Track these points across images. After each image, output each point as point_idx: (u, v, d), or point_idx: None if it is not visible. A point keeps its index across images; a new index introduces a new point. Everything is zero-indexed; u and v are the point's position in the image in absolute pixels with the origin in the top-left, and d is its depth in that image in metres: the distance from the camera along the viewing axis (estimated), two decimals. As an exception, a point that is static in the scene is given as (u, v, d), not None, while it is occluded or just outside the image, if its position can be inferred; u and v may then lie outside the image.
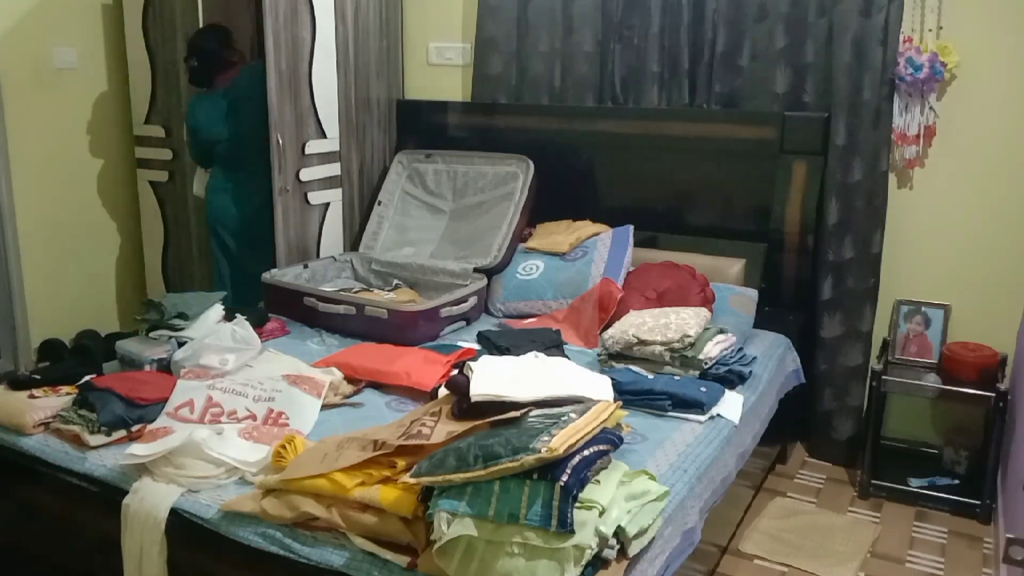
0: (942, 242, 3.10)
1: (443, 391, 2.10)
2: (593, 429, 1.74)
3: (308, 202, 3.52)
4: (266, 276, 3.29)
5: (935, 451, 3.17)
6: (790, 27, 3.12)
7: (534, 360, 2.24)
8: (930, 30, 2.97)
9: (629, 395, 2.32)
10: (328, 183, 3.63)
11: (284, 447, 1.92)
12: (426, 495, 1.66)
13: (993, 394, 2.83)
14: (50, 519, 2.20)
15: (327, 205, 3.64)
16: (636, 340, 2.65)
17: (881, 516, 2.93)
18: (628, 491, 1.73)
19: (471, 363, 2.05)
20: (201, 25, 3.82)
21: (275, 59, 3.33)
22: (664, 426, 2.25)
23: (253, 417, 2.19)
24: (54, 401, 2.24)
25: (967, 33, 2.93)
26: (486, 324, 3.12)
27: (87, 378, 2.33)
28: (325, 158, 3.59)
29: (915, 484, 2.99)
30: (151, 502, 1.90)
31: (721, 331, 2.67)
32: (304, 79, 3.47)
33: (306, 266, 3.43)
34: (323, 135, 3.58)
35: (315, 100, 3.49)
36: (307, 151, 3.46)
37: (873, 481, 3.02)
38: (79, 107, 3.97)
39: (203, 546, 1.87)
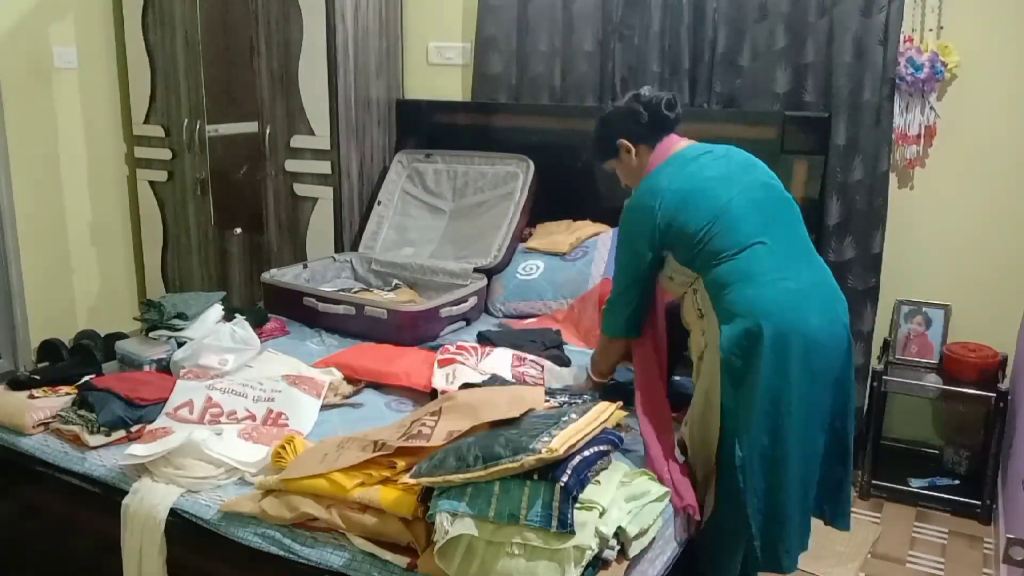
0: (942, 242, 3.09)
1: (440, 387, 2.11)
2: (593, 430, 1.74)
3: (294, 192, 3.73)
4: (266, 276, 3.29)
5: (935, 451, 3.17)
6: (790, 27, 3.12)
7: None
8: (930, 30, 2.97)
9: (629, 395, 2.31)
10: (317, 179, 3.67)
11: (284, 447, 1.92)
12: (426, 496, 1.65)
13: (993, 394, 2.83)
14: (50, 519, 2.20)
15: (316, 200, 3.69)
16: (636, 340, 2.64)
17: (881, 516, 2.93)
18: (628, 491, 1.73)
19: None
20: (200, 25, 3.82)
21: (267, 59, 3.64)
22: (664, 426, 2.24)
23: (252, 417, 2.19)
24: (54, 401, 2.24)
25: (967, 33, 2.92)
26: (486, 324, 3.12)
27: (87, 378, 2.33)
28: (314, 155, 3.66)
29: (915, 484, 2.99)
30: (151, 502, 1.90)
31: (721, 331, 2.67)
32: (293, 79, 3.61)
33: (305, 266, 3.43)
34: (311, 132, 3.63)
35: (302, 99, 3.61)
36: (292, 144, 3.70)
37: (874, 481, 3.01)
38: (79, 107, 3.97)
39: (203, 546, 1.86)
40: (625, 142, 2.17)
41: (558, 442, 1.61)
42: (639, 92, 2.18)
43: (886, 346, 3.17)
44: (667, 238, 2.03)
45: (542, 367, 2.54)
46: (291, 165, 3.72)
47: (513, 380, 2.42)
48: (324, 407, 2.31)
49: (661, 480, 1.90)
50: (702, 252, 1.99)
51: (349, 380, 2.50)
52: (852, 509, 2.92)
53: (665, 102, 2.13)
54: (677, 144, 2.15)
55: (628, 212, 2.12)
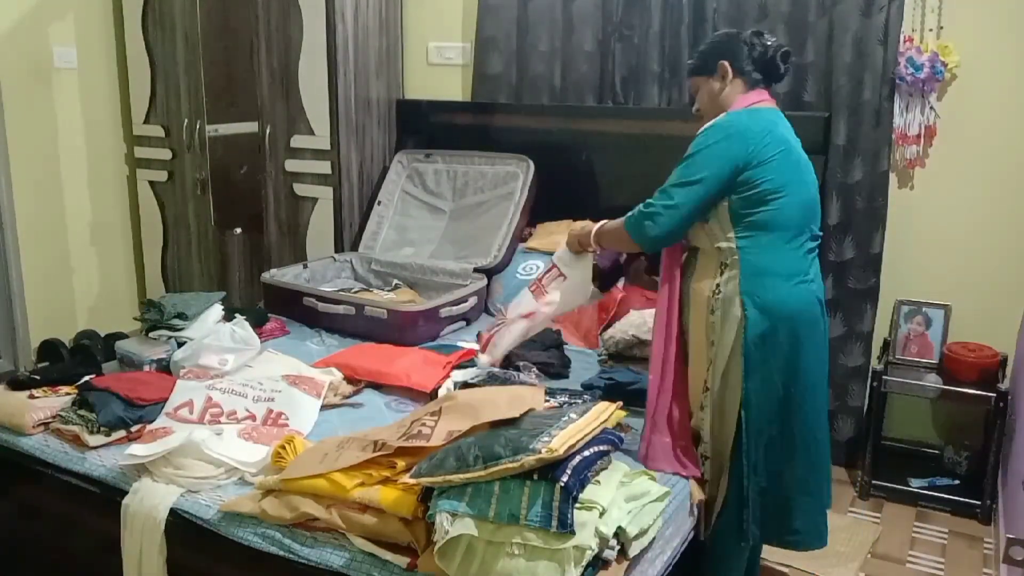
0: (942, 242, 3.09)
1: (443, 391, 2.10)
2: (593, 430, 1.74)
3: (294, 192, 3.73)
4: (266, 276, 3.29)
5: (935, 451, 3.17)
6: (790, 27, 3.12)
7: None
8: (930, 30, 2.97)
9: (629, 395, 2.31)
10: (317, 179, 3.67)
11: (284, 447, 1.92)
12: (426, 495, 1.65)
13: (993, 394, 2.83)
14: (50, 519, 2.20)
15: (316, 200, 3.69)
16: (636, 340, 2.65)
17: (882, 516, 2.93)
18: (628, 492, 1.73)
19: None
20: (200, 25, 3.81)
21: (267, 59, 3.64)
22: (664, 426, 2.24)
23: (252, 417, 2.19)
24: (54, 401, 2.24)
25: (967, 33, 2.92)
26: (486, 324, 3.11)
27: (86, 378, 2.33)
28: (314, 155, 3.65)
29: (915, 484, 2.99)
30: (151, 502, 1.90)
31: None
32: (293, 79, 3.60)
33: (306, 266, 3.43)
34: (311, 132, 3.62)
35: (302, 99, 3.60)
36: (292, 144, 3.69)
37: (874, 481, 3.01)
38: (78, 107, 3.97)
39: (203, 546, 1.86)
40: (726, 64, 2.10)
41: (558, 442, 1.61)
42: (763, 31, 2.16)
43: (886, 346, 3.17)
44: (741, 174, 1.97)
45: (534, 373, 2.52)
46: (291, 165, 3.72)
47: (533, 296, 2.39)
48: (324, 407, 2.31)
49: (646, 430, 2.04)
50: (754, 214, 1.98)
51: (349, 380, 2.50)
52: (852, 509, 2.94)
53: (782, 52, 2.11)
54: (769, 102, 2.13)
55: (719, 128, 2.03)
